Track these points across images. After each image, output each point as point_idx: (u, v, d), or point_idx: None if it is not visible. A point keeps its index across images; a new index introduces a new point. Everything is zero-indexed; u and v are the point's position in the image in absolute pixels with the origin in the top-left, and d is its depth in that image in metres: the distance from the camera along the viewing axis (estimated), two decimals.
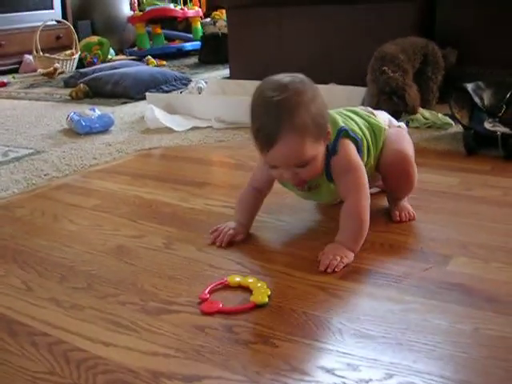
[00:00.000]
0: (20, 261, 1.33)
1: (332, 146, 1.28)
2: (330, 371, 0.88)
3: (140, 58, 4.82)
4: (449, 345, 0.93)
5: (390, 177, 1.41)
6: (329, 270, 1.18)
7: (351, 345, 0.94)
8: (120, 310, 1.09)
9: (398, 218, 1.41)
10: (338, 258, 1.20)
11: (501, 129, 1.84)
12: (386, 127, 1.42)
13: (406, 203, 1.45)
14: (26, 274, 1.26)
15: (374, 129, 1.39)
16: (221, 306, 1.07)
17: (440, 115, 2.25)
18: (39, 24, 4.77)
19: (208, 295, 1.10)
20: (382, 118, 1.46)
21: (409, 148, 1.41)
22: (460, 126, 2.03)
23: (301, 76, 1.22)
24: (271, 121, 1.17)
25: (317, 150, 1.22)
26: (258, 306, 1.06)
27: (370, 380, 0.85)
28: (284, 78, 1.20)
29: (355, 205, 1.27)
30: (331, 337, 0.96)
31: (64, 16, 5.33)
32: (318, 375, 0.87)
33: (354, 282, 1.14)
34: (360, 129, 1.36)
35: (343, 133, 1.30)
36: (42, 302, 1.14)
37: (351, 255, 1.23)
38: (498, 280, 1.12)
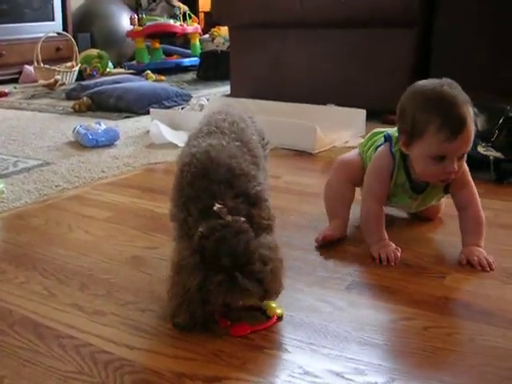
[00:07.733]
0: (40, 268, 1.39)
1: None
2: (339, 374, 0.96)
3: (138, 72, 4.88)
4: (447, 353, 1.01)
5: None
6: (493, 268, 1.33)
7: (357, 351, 1.02)
8: (140, 317, 1.16)
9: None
10: (487, 258, 1.35)
11: (493, 153, 1.93)
12: None
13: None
14: (46, 281, 1.32)
15: None
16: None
17: None
18: (40, 35, 4.83)
19: (229, 322, 1.11)
20: None
21: None
22: None
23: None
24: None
25: None
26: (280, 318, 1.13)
27: (376, 383, 0.94)
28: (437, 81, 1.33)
29: (479, 213, 1.43)
30: (338, 344, 1.05)
31: (64, 28, 5.40)
32: (328, 378, 0.95)
33: (357, 295, 1.22)
34: None
35: None
36: (65, 308, 1.21)
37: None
38: (491, 295, 1.21)
